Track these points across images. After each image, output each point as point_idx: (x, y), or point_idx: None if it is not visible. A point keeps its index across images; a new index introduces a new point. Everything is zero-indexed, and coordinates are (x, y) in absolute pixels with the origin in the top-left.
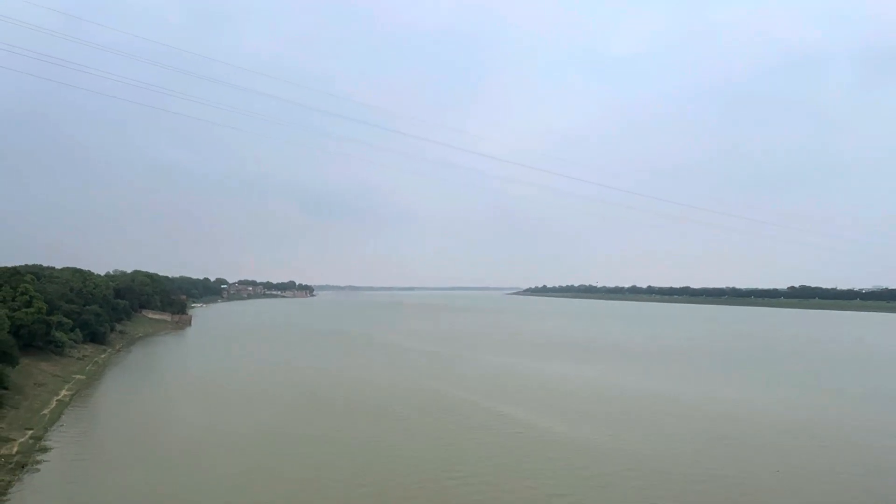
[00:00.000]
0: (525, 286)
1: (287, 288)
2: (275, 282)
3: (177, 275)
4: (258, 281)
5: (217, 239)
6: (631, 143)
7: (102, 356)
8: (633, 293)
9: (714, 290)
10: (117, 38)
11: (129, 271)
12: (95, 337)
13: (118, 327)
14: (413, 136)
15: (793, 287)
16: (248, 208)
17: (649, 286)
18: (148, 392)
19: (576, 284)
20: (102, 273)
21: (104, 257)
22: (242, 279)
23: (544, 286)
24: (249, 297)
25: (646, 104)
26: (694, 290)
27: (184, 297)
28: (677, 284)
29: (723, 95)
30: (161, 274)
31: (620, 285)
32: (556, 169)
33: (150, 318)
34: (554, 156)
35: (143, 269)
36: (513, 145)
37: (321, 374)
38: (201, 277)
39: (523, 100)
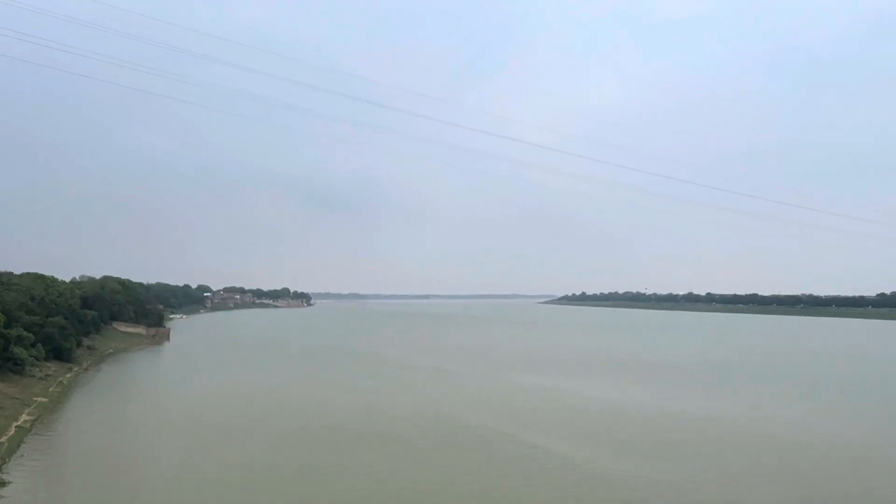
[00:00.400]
0: (560, 293)
1: (280, 296)
2: (266, 289)
3: (153, 281)
4: (247, 288)
5: (199, 240)
6: (688, 125)
7: (68, 376)
8: (690, 302)
9: (788, 297)
10: (78, 5)
11: (97, 277)
12: (60, 353)
13: (86, 342)
14: (428, 118)
15: (883, 294)
16: (235, 205)
17: (708, 293)
18: (120, 419)
19: (620, 292)
20: (67, 279)
21: (69, 261)
22: (228, 286)
23: (583, 293)
24: (236, 306)
25: (705, 77)
26: (763, 297)
27: (161, 306)
28: (742, 291)
29: (800, 67)
30: (135, 280)
31: (674, 292)
32: (597, 155)
33: (123, 332)
34: (595, 140)
35: (114, 275)
36: (546, 128)
37: (319, 398)
38: (181, 284)
39: (557, 74)
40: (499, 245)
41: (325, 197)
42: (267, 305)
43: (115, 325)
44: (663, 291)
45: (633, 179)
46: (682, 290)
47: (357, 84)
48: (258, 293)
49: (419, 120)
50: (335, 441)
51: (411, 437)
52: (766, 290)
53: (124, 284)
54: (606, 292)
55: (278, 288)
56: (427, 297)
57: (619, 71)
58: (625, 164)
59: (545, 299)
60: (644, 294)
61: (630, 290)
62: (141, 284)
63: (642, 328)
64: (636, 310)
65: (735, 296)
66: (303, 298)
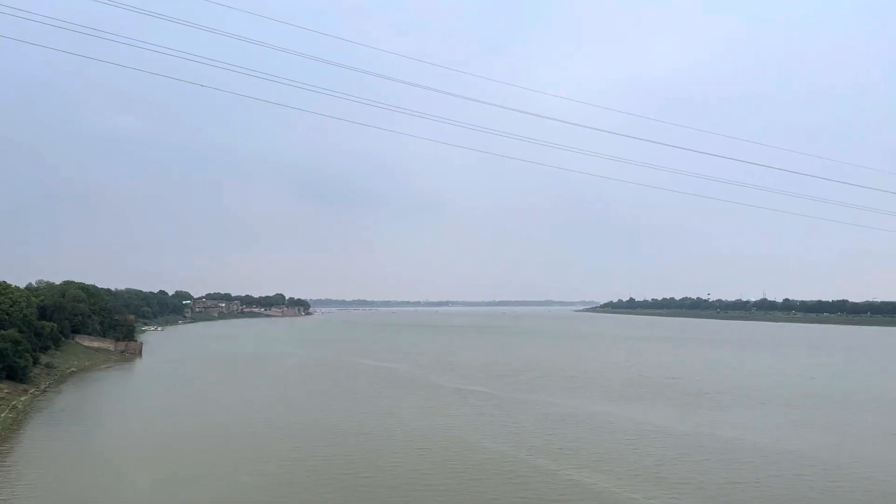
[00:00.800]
0: (603, 300)
1: (273, 304)
2: (256, 295)
3: (122, 287)
4: (234, 295)
5: (176, 239)
6: (765, 97)
7: (23, 399)
8: (763, 310)
9: (887, 304)
10: None
11: (57, 283)
12: (13, 373)
13: (44, 359)
14: (444, 93)
15: None
16: (220, 197)
17: (786, 300)
18: (83, 452)
19: (677, 298)
20: (22, 285)
21: (23, 264)
22: (212, 293)
23: (631, 300)
24: (221, 316)
25: (786, 38)
26: (854, 304)
27: (132, 317)
28: (828, 297)
29: None
30: (101, 286)
31: (744, 298)
32: (650, 137)
33: (87, 347)
34: (649, 118)
35: (77, 280)
36: (588, 104)
37: (318, 426)
38: (155, 291)
39: (601, 38)
40: (528, 244)
41: (324, 187)
42: (257, 315)
43: (78, 338)
44: (729, 297)
45: (693, 165)
46: (752, 296)
47: (359, 52)
48: (247, 300)
49: (433, 95)
50: (335, 479)
51: (426, 472)
52: (857, 296)
53: (88, 291)
54: (659, 298)
55: (271, 294)
56: (445, 304)
57: (679, 30)
58: (683, 146)
59: (584, 307)
60: (706, 301)
61: (689, 295)
62: (108, 291)
63: (715, 341)
64: (697, 319)
65: (820, 302)
66: (300, 306)
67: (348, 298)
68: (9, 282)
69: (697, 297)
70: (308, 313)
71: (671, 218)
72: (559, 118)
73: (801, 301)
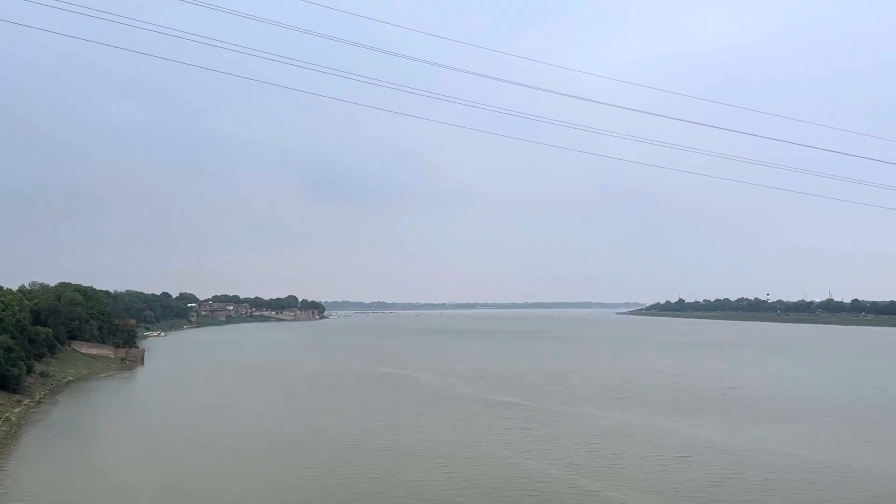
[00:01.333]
0: (649, 301)
1: (284, 306)
2: (266, 297)
3: (122, 288)
4: (242, 297)
5: (180, 236)
6: (834, 74)
7: (16, 411)
8: (829, 312)
9: None
10: None
11: (52, 284)
12: (6, 382)
13: (38, 367)
14: (476, 74)
15: None
16: (224, 190)
17: (855, 300)
18: (82, 468)
19: (732, 299)
20: (14, 287)
21: (17, 264)
22: (219, 294)
23: (680, 301)
24: (229, 319)
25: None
26: None
27: (133, 321)
28: None
29: None
30: (99, 288)
31: (807, 299)
32: (702, 117)
33: (84, 354)
34: (700, 98)
35: (74, 282)
36: (634, 83)
37: (341, 442)
38: (158, 293)
39: (649, 9)
40: (565, 239)
41: (341, 179)
42: (268, 318)
43: (75, 345)
44: (791, 298)
45: (747, 151)
46: (817, 297)
47: (378, 30)
48: (257, 303)
49: (461, 76)
50: (353, 500)
51: (453, 491)
52: None
53: (86, 294)
54: (713, 300)
55: (282, 296)
56: (473, 306)
57: (735, 3)
58: (738, 129)
59: (628, 309)
60: (765, 302)
61: (745, 296)
62: (107, 293)
63: (775, 347)
64: (755, 323)
65: (892, 303)
66: (314, 309)
67: (367, 300)
68: (1, 284)
69: (755, 298)
70: (323, 317)
71: (725, 210)
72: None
73: (872, 302)
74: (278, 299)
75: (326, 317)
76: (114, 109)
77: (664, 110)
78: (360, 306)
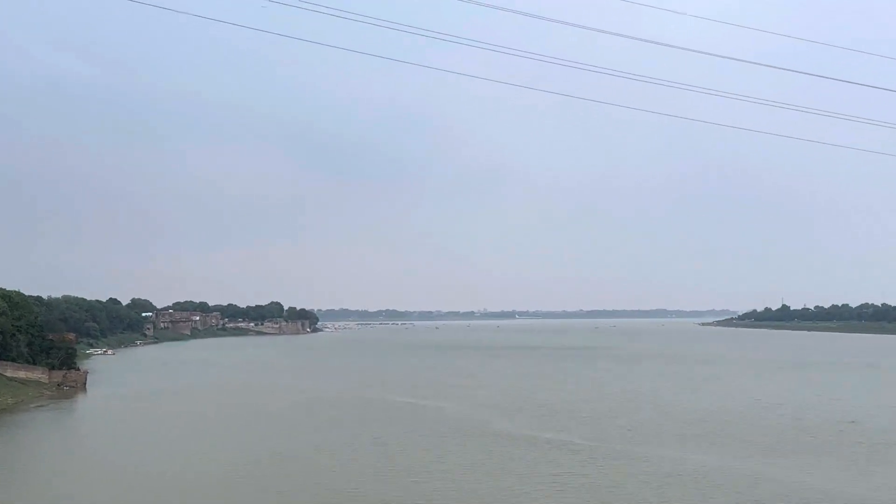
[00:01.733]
0: (742, 309)
1: (266, 315)
2: (243, 305)
3: (58, 294)
4: (211, 304)
5: (131, 225)
6: None
7: None
8: None
9: None
10: None
11: None
12: None
13: None
14: (508, 11)
15: None
16: (192, 168)
17: None
18: None
19: (852, 304)
20: None
21: None
22: (182, 301)
23: (783, 308)
24: (195, 332)
25: None
26: None
27: (72, 335)
28: None
29: None
30: (30, 294)
31: None
32: (818, 68)
33: (10, 378)
34: (816, 42)
35: None
36: (724, 21)
37: (344, 493)
38: (105, 299)
39: None
40: (628, 231)
41: (337, 154)
42: (245, 332)
43: None
44: None
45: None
46: None
47: None
48: (230, 312)
49: (490, 14)
50: None
51: None
52: None
53: (11, 300)
54: (826, 306)
55: (263, 304)
56: (510, 314)
57: None
58: (864, 82)
59: (714, 318)
60: None
61: (870, 301)
62: (39, 300)
63: None
64: (883, 336)
65: None
66: (303, 319)
67: (371, 308)
68: None
69: (883, 304)
70: (315, 329)
71: (842, 193)
72: (677, 44)
73: None
74: (258, 307)
75: (320, 329)
76: (49, 62)
77: (767, 59)
78: (364, 315)
